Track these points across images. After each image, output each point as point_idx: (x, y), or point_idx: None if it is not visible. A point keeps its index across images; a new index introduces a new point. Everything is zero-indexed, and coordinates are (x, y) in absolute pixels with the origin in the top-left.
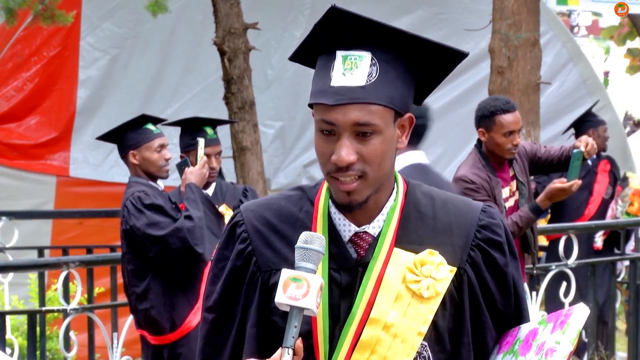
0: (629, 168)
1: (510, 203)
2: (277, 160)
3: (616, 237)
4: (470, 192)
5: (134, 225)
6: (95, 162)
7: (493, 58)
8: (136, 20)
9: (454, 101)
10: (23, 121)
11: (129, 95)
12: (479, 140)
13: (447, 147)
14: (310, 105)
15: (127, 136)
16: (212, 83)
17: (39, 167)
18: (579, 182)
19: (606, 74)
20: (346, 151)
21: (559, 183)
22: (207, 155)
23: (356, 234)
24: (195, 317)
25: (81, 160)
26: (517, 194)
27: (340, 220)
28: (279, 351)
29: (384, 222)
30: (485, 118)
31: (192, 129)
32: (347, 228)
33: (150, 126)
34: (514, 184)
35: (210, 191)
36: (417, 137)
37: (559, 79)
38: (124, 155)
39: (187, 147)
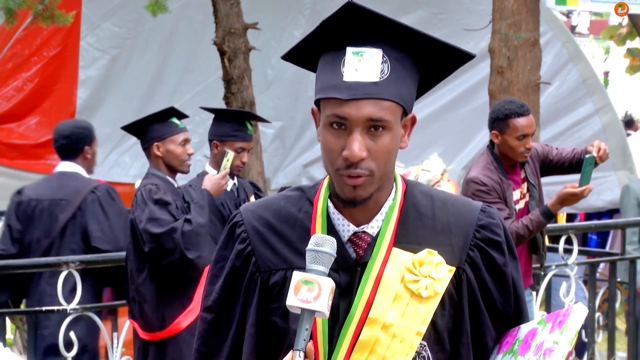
0: (629, 168)
1: (520, 205)
2: (277, 160)
3: None
4: (482, 193)
5: (137, 216)
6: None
7: (493, 58)
8: (136, 20)
9: (453, 101)
10: (23, 121)
11: (129, 95)
12: (491, 142)
13: (447, 147)
14: (316, 101)
15: (152, 127)
16: (212, 83)
17: (39, 167)
18: (591, 187)
19: (606, 74)
20: (358, 146)
21: (570, 188)
22: (242, 149)
23: (355, 233)
24: (185, 319)
25: None
26: (527, 196)
27: (339, 220)
28: (290, 354)
29: (383, 222)
30: (500, 120)
31: (237, 120)
32: (346, 228)
33: (175, 120)
34: (524, 186)
35: (227, 185)
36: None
37: (559, 79)
38: (147, 146)
39: (226, 136)
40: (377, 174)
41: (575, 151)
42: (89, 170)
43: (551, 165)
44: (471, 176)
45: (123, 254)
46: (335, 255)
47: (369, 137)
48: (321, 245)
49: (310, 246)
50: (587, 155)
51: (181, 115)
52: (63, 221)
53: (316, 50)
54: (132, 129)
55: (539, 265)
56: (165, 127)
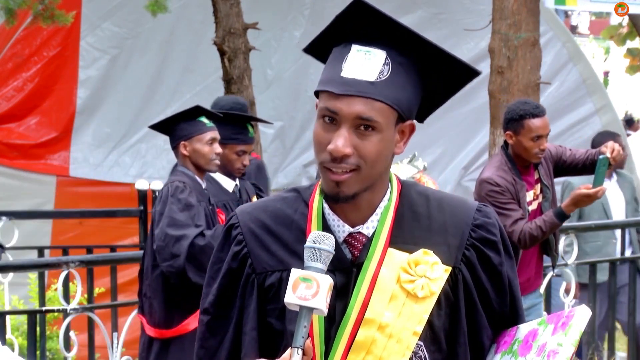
0: (629, 168)
1: (533, 206)
2: (277, 160)
3: None
4: (495, 194)
5: (158, 210)
6: (95, 162)
7: (493, 58)
8: (136, 20)
9: (454, 101)
10: (23, 121)
11: (129, 95)
12: (505, 143)
13: (447, 147)
14: (316, 94)
15: (179, 127)
16: (212, 83)
17: (39, 167)
18: (605, 188)
19: (606, 74)
20: (343, 142)
21: (584, 189)
22: (243, 152)
23: (350, 234)
24: (194, 322)
25: (81, 160)
26: (540, 197)
27: (335, 221)
28: (288, 351)
29: (378, 222)
30: (514, 121)
31: (238, 123)
32: (341, 229)
33: (203, 119)
34: (538, 187)
35: (230, 187)
36: None
37: (558, 78)
38: (174, 145)
39: (227, 139)
40: (363, 173)
41: (589, 152)
42: None
43: (564, 166)
44: (485, 176)
45: (124, 254)
46: (334, 252)
47: (357, 135)
48: (319, 242)
49: (308, 243)
50: (600, 156)
51: (210, 114)
52: None
53: (331, 44)
54: (160, 127)
55: (550, 266)
56: (192, 126)
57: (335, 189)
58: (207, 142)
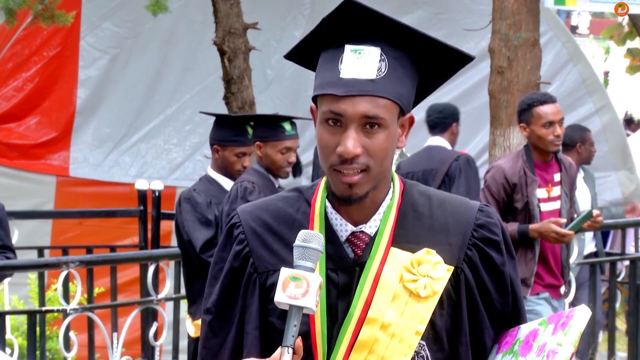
0: (629, 168)
1: (547, 207)
2: None
3: None
4: (493, 183)
5: (226, 211)
6: (95, 162)
7: (493, 58)
8: (136, 20)
9: (453, 101)
10: (23, 121)
11: (129, 95)
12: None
13: None
14: (314, 99)
15: (260, 127)
16: (212, 83)
17: (39, 167)
18: (572, 235)
19: (606, 74)
20: (352, 143)
21: (556, 225)
22: (243, 154)
23: (353, 233)
24: None
25: (81, 160)
26: (559, 202)
27: (337, 220)
28: (278, 350)
29: (381, 222)
30: (524, 112)
31: (237, 125)
32: (343, 228)
33: (286, 124)
34: (557, 189)
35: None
36: None
37: (558, 78)
38: (251, 143)
39: (227, 142)
40: (373, 171)
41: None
42: (452, 144)
43: None
44: (497, 162)
45: (123, 254)
46: (322, 251)
47: (364, 134)
48: (308, 241)
49: (297, 242)
50: (589, 209)
51: (290, 120)
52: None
53: (317, 49)
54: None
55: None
56: (271, 129)
57: (347, 191)
58: (281, 149)
